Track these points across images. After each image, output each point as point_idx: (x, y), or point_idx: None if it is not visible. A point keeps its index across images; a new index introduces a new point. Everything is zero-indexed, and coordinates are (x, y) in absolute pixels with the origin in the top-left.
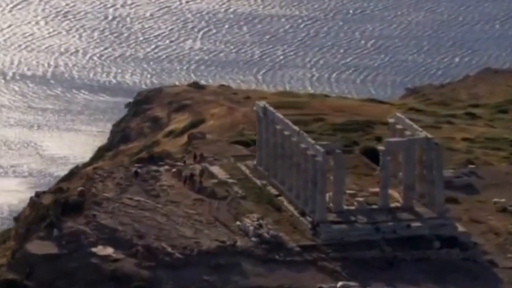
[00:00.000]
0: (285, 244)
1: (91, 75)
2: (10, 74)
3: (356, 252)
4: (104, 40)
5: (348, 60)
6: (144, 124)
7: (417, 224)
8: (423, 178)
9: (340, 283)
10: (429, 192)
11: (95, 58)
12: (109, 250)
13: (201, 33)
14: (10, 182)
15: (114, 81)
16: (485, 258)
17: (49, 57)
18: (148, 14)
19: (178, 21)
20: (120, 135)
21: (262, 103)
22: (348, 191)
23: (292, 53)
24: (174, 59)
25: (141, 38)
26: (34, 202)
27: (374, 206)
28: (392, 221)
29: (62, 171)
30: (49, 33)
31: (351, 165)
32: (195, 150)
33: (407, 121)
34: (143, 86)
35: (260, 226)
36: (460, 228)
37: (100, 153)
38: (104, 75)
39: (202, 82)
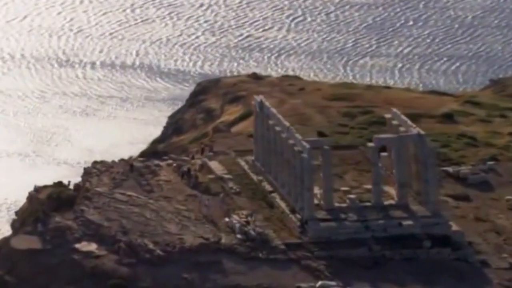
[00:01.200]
0: (270, 241)
1: (178, 63)
2: (98, 63)
3: (342, 250)
4: (197, 29)
5: (441, 49)
6: (198, 115)
7: (409, 222)
8: (419, 176)
9: (319, 283)
10: (423, 190)
11: (184, 47)
12: (93, 246)
13: (294, 21)
14: (62, 172)
15: (200, 70)
16: (478, 258)
17: (138, 46)
18: (244, 2)
19: (273, 9)
20: (173, 126)
21: (259, 97)
22: (343, 188)
23: (384, 42)
24: (264, 48)
25: (233, 27)
26: (32, 196)
27: (367, 204)
28: (383, 219)
29: None
30: (142, 20)
31: (353, 161)
32: (204, 144)
33: (403, 117)
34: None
35: (248, 223)
36: (454, 227)
37: (154, 145)
38: (191, 64)
39: (290, 72)
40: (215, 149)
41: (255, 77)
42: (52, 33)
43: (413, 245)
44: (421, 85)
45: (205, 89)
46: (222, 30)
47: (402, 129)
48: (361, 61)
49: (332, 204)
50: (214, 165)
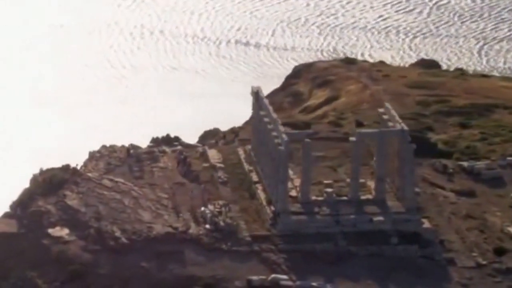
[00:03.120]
0: (238, 233)
1: (311, 44)
2: (232, 41)
3: (308, 244)
4: (337, 10)
5: None
6: (286, 98)
7: (380, 218)
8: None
9: (271, 276)
10: (400, 186)
11: (313, 27)
12: (64, 232)
13: (437, 4)
14: None
15: (332, 52)
16: (446, 256)
17: (275, 25)
18: None
19: None
20: None
21: (256, 87)
22: (326, 181)
23: None
24: (401, 30)
25: (374, 8)
26: (34, 179)
27: (344, 198)
28: (356, 214)
29: None
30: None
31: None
32: (226, 131)
33: (393, 112)
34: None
35: (220, 213)
36: (426, 224)
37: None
38: (324, 45)
39: (422, 55)
40: (241, 137)
41: (347, 61)
42: (194, 11)
43: (380, 241)
44: None
45: (298, 72)
46: (362, 11)
47: (390, 124)
48: (497, 46)
49: (308, 197)
50: (211, 153)
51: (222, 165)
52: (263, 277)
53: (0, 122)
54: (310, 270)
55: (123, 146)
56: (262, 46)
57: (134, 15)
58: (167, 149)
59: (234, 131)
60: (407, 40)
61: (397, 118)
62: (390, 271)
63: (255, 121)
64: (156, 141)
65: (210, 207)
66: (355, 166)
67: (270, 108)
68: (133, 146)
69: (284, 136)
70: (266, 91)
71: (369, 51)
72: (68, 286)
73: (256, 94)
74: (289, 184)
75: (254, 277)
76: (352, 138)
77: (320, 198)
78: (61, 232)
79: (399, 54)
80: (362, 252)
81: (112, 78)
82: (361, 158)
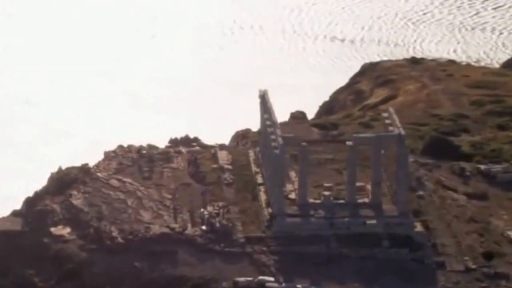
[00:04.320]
0: (233, 234)
1: (400, 40)
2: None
3: (300, 246)
4: (427, 5)
5: None
6: (349, 96)
7: (373, 221)
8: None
9: (258, 278)
10: (396, 190)
11: (415, 23)
12: (65, 231)
13: None
14: None
15: (419, 48)
16: (437, 260)
17: (371, 21)
18: None
19: None
20: (327, 106)
21: (263, 90)
22: (326, 184)
23: None
24: (492, 28)
25: (467, 3)
26: (51, 177)
27: (340, 201)
28: (350, 217)
29: None
30: None
31: (363, 156)
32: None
33: (394, 116)
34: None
35: (218, 214)
36: (419, 227)
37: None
38: (412, 40)
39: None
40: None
41: (413, 61)
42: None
43: (372, 244)
44: None
45: (363, 71)
46: (458, 7)
47: (391, 128)
48: None
49: (306, 200)
50: (222, 154)
51: (230, 167)
52: (250, 278)
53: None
54: (299, 272)
55: (141, 146)
56: (356, 42)
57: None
58: (183, 150)
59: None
60: (500, 38)
61: (398, 122)
62: (379, 274)
63: (262, 124)
64: (174, 142)
65: (209, 208)
66: (351, 170)
67: (273, 110)
68: (150, 147)
69: (279, 139)
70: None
71: (454, 48)
72: (64, 285)
73: (262, 97)
74: (290, 187)
75: (241, 279)
76: (349, 143)
77: (317, 201)
78: (63, 231)
79: (484, 53)
80: (354, 255)
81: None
82: (357, 162)
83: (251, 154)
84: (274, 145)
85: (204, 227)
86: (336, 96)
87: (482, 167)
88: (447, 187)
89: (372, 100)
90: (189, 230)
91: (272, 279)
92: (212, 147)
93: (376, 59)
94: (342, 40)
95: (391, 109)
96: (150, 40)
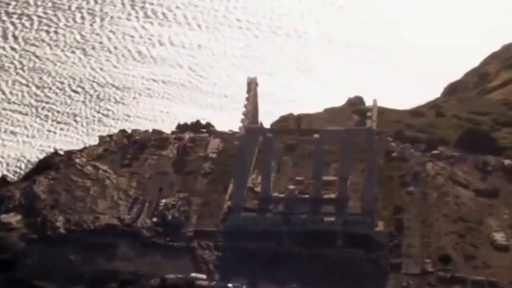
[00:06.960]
0: (182, 228)
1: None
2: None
3: (249, 243)
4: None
5: None
6: (473, 79)
7: (331, 219)
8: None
9: (189, 275)
10: (362, 187)
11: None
12: (15, 218)
13: None
14: None
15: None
16: (395, 261)
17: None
18: None
19: None
20: (452, 87)
21: (250, 78)
22: (298, 178)
23: None
24: None
25: None
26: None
27: (305, 196)
28: (308, 213)
29: None
30: None
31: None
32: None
33: (375, 108)
34: None
35: (174, 206)
36: (380, 227)
37: None
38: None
39: None
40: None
41: None
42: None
43: (327, 243)
44: None
45: (493, 55)
46: None
47: (368, 122)
48: None
49: (268, 193)
50: (213, 142)
51: (214, 155)
52: (180, 275)
53: None
54: (239, 271)
55: (146, 131)
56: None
57: None
58: (187, 136)
59: (297, 118)
60: None
61: (375, 116)
62: (325, 275)
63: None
64: (181, 127)
65: (168, 199)
66: (316, 164)
67: (255, 100)
68: (152, 132)
69: (242, 129)
70: None
71: None
72: None
73: (248, 85)
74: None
75: (170, 276)
76: (316, 135)
77: (280, 195)
78: (12, 218)
79: None
80: (305, 254)
81: None
82: (322, 156)
83: None
84: (239, 135)
85: (155, 219)
86: (463, 79)
87: (506, 162)
88: (458, 182)
89: (494, 83)
90: (139, 222)
91: (203, 276)
92: (223, 133)
93: None
94: None
95: (375, 100)
96: None
